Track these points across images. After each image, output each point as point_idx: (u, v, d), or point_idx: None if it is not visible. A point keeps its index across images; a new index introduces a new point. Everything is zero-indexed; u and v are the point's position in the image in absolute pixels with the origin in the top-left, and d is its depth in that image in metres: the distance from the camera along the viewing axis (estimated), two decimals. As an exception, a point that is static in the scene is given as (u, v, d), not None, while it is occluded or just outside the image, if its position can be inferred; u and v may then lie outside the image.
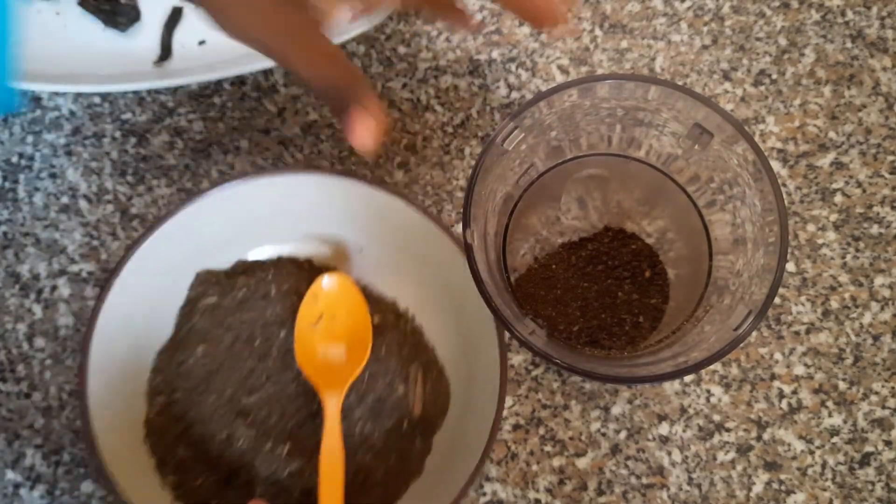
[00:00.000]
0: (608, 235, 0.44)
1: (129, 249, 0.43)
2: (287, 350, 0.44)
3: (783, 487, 0.46)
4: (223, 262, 0.47)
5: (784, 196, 0.51)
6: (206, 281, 0.45)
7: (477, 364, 0.44)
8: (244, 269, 0.46)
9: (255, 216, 0.46)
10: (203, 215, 0.44)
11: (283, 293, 0.45)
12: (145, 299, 0.44)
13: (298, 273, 0.46)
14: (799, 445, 0.47)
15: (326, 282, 0.44)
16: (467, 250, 0.36)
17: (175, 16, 0.53)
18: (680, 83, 0.53)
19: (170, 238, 0.43)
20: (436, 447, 0.44)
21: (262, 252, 0.47)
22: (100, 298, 0.42)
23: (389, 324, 0.45)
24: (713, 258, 0.41)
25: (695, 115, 0.38)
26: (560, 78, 0.53)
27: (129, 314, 0.43)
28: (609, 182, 0.44)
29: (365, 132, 0.35)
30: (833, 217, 0.51)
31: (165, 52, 0.52)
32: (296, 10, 0.36)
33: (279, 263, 0.46)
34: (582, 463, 0.47)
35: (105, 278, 0.42)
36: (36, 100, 0.52)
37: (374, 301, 0.46)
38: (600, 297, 0.43)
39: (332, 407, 0.41)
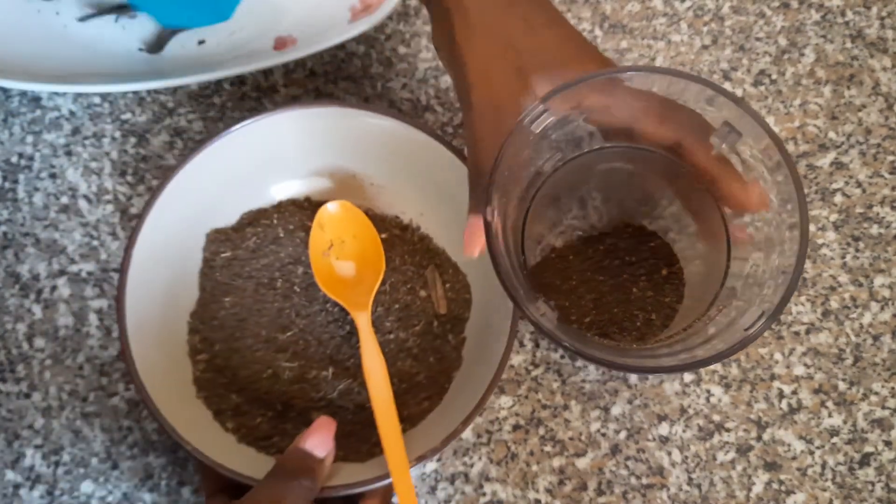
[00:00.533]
0: (627, 231, 0.45)
1: (139, 221, 0.44)
2: (308, 284, 0.46)
3: (783, 488, 0.46)
4: (228, 218, 0.48)
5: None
6: (217, 239, 0.47)
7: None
8: (249, 220, 0.48)
9: (247, 166, 0.47)
10: (197, 176, 0.45)
11: (290, 233, 0.47)
12: (164, 269, 0.45)
13: (301, 211, 0.48)
14: (799, 445, 0.47)
15: (328, 210, 0.46)
16: (486, 228, 0.36)
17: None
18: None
19: (171, 207, 0.45)
20: (469, 337, 0.46)
21: (262, 200, 0.49)
22: (121, 279, 0.43)
23: (396, 237, 0.48)
24: (731, 258, 0.41)
25: (704, 105, 0.37)
26: (560, 78, 0.53)
27: (153, 286, 0.44)
28: (631, 176, 0.44)
29: (478, 244, 0.38)
30: (833, 217, 0.51)
31: (158, 45, 0.52)
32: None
33: (280, 207, 0.48)
34: (582, 463, 0.47)
35: (122, 260, 0.43)
36: (35, 100, 0.52)
37: (378, 221, 0.48)
38: (614, 292, 0.43)
39: (364, 322, 0.44)
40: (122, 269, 0.43)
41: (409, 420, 0.44)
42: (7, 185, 0.51)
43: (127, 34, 0.53)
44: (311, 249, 0.46)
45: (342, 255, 0.46)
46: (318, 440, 0.39)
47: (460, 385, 0.44)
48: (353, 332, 0.45)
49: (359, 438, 0.43)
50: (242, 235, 0.47)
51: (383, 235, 0.47)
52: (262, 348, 0.45)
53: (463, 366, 0.45)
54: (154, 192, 0.44)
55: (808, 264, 0.50)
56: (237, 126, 0.45)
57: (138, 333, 0.42)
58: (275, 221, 0.48)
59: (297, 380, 0.44)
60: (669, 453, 0.47)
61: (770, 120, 0.52)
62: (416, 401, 0.44)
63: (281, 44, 0.52)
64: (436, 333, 0.46)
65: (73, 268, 0.49)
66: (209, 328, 0.46)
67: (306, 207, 0.48)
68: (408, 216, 0.49)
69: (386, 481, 0.39)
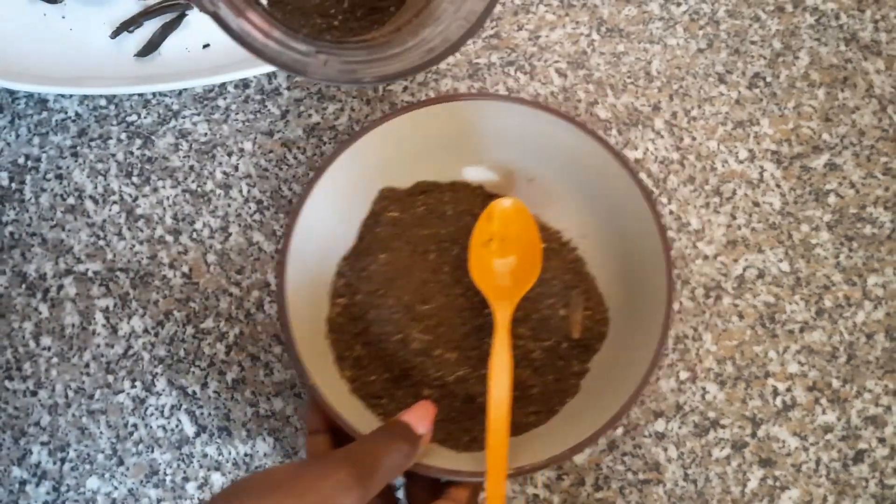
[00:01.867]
0: None
1: (323, 165, 0.45)
2: (457, 266, 0.47)
3: (777, 484, 0.47)
4: (403, 181, 0.49)
5: (778, 197, 0.52)
6: (389, 197, 0.49)
7: (640, 297, 0.45)
8: (423, 189, 0.49)
9: (432, 141, 0.48)
10: (386, 138, 0.47)
11: (457, 214, 0.49)
12: (333, 210, 0.47)
13: (472, 197, 0.49)
14: (793, 442, 0.47)
15: (502, 204, 0.47)
16: None
17: (177, 20, 0.53)
18: (675, 86, 0.54)
19: (357, 157, 0.46)
20: (594, 370, 0.46)
21: (437, 175, 0.50)
22: (296, 209, 0.44)
23: (553, 251, 0.48)
24: None
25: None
26: (558, 81, 0.54)
27: (320, 223, 0.46)
28: None
29: None
30: (827, 217, 0.51)
31: (150, 47, 0.52)
32: None
33: (455, 186, 0.50)
34: (579, 459, 0.47)
35: (304, 187, 0.45)
36: (42, 102, 0.53)
37: (541, 230, 0.48)
38: None
39: (503, 318, 0.44)
40: (303, 196, 0.44)
41: (511, 428, 0.43)
42: (14, 185, 0.52)
43: (131, 38, 0.53)
44: (474, 237, 0.46)
45: (501, 252, 0.47)
46: (419, 418, 0.40)
47: (572, 414, 0.44)
48: (485, 326, 0.46)
49: (460, 428, 0.44)
50: (413, 201, 0.49)
51: (542, 245, 0.47)
52: (399, 312, 0.46)
53: (579, 395, 0.45)
54: (347, 141, 0.45)
55: (801, 263, 0.51)
56: (437, 103, 0.46)
57: (295, 262, 0.44)
58: (446, 198, 0.49)
59: (422, 353, 0.45)
60: (665, 449, 0.47)
61: (764, 122, 0.53)
62: (523, 412, 0.44)
63: (284, 47, 0.52)
64: (562, 355, 0.46)
65: (80, 267, 0.50)
66: (356, 276, 0.47)
67: (478, 195, 0.49)
68: (570, 234, 0.49)
69: (479, 479, 0.40)
